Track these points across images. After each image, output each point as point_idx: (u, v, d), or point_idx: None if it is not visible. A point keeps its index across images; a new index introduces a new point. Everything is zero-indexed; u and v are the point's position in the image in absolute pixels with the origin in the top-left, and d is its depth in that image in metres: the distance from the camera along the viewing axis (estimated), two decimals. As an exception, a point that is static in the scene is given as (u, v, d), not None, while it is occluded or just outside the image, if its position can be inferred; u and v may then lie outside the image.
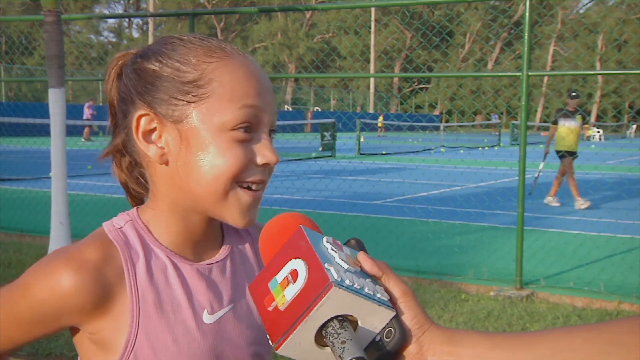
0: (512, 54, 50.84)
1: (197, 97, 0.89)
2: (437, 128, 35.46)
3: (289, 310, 0.68)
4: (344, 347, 0.66)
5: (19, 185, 11.60)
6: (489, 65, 64.36)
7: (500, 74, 10.15)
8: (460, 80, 40.90)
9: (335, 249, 0.72)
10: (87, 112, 27.16)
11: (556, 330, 0.70)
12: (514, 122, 30.46)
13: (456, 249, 6.70)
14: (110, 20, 74.11)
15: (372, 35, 59.08)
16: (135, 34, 77.14)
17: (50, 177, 4.98)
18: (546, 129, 38.97)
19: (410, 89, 62.97)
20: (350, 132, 30.54)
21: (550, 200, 10.58)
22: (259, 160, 0.90)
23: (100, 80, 15.54)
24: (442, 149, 26.51)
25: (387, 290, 0.72)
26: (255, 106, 0.89)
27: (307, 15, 65.70)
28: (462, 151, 25.83)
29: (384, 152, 23.73)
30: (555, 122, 10.27)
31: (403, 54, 61.04)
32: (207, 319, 0.94)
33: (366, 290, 0.68)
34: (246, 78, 0.90)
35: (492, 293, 5.51)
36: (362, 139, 24.31)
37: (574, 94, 10.38)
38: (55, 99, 4.76)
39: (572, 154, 10.11)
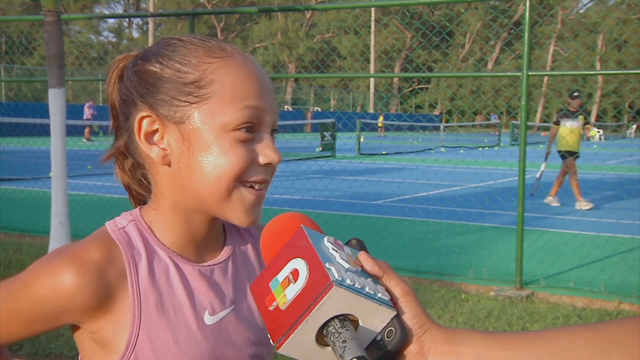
0: (512, 54, 50.85)
1: (198, 98, 0.89)
2: (437, 128, 35.46)
3: (290, 310, 0.68)
4: (345, 347, 0.66)
5: (19, 185, 11.60)
6: (489, 65, 64.37)
7: (500, 74, 10.15)
8: (460, 80, 40.91)
9: (336, 249, 0.72)
10: (87, 112, 27.17)
11: (557, 330, 0.70)
12: (514, 122, 30.46)
13: (456, 249, 6.70)
14: (110, 20, 74.12)
15: (372, 35, 59.08)
16: (135, 34, 77.20)
17: (50, 177, 4.98)
18: (546, 129, 39.01)
19: (410, 89, 62.97)
20: (350, 132, 30.55)
21: (551, 200, 10.58)
22: (262, 159, 0.90)
23: (100, 80, 15.56)
24: (442, 149, 26.51)
25: (388, 290, 0.72)
26: (257, 107, 0.89)
27: (307, 15, 65.71)
28: (462, 151, 25.82)
29: (384, 152, 23.73)
30: (557, 123, 10.23)
31: (403, 54, 61.05)
32: (208, 319, 0.94)
33: (367, 289, 0.68)
34: (247, 78, 0.90)
35: (492, 293, 5.51)
36: (362, 139, 24.32)
37: (575, 94, 10.34)
38: (55, 99, 4.76)
39: (574, 154, 10.09)
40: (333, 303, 0.66)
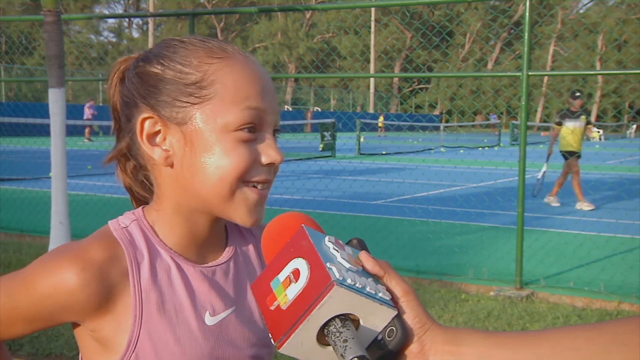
0: (512, 54, 50.86)
1: (200, 99, 0.89)
2: (437, 128, 35.47)
3: (291, 309, 0.68)
4: (346, 346, 0.66)
5: (19, 185, 11.60)
6: (489, 65, 64.37)
7: (500, 74, 10.15)
8: (460, 80, 40.92)
9: (337, 249, 0.72)
10: (87, 112, 27.17)
11: (558, 329, 0.70)
12: (514, 122, 30.46)
13: (456, 249, 6.70)
14: (110, 20, 74.13)
15: (372, 35, 59.09)
16: (135, 34, 77.20)
17: (50, 177, 4.98)
18: (546, 129, 39.02)
19: (410, 89, 62.98)
20: (350, 132, 30.55)
21: (551, 200, 10.57)
22: (264, 159, 0.90)
23: (100, 80, 15.56)
24: (442, 149, 26.51)
25: (388, 290, 0.72)
26: (259, 108, 0.89)
27: (307, 15, 65.71)
28: (462, 151, 25.83)
29: (384, 152, 23.74)
30: (559, 123, 10.21)
31: (403, 54, 61.05)
32: (209, 320, 0.95)
33: (368, 289, 0.68)
34: (249, 79, 0.90)
35: (492, 293, 5.51)
36: (362, 139, 24.32)
37: (577, 94, 10.31)
38: (55, 99, 4.76)
39: (575, 154, 10.07)
40: (334, 303, 0.66)
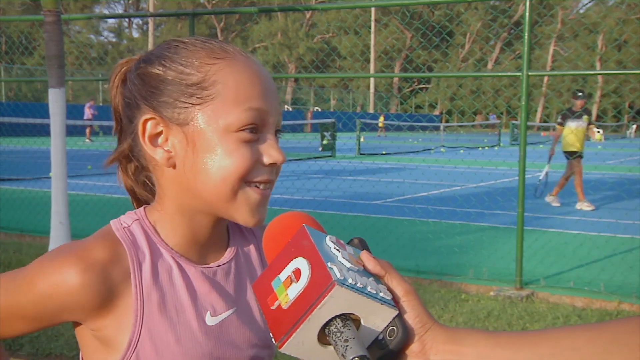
0: (512, 54, 50.87)
1: (201, 100, 0.89)
2: (437, 128, 35.47)
3: (292, 309, 0.68)
4: (347, 346, 0.66)
5: (19, 185, 11.60)
6: (489, 65, 64.37)
7: (500, 74, 10.15)
8: (460, 80, 40.93)
9: (338, 248, 0.72)
10: (88, 112, 27.17)
11: (558, 329, 0.70)
12: (514, 122, 30.46)
13: (456, 249, 6.70)
14: (110, 20, 74.12)
15: (372, 35, 59.10)
16: (135, 34, 77.20)
17: (50, 177, 4.98)
18: (546, 129, 39.01)
19: (410, 89, 62.99)
20: (350, 132, 30.56)
21: (552, 199, 10.56)
22: (266, 160, 0.90)
23: (101, 80, 15.54)
24: (442, 149, 26.51)
25: (389, 289, 0.72)
26: (260, 109, 0.89)
27: (307, 15, 65.71)
28: (462, 151, 25.83)
29: (384, 152, 23.74)
30: (561, 124, 10.18)
31: (403, 54, 61.06)
32: (210, 320, 0.95)
33: (369, 289, 0.68)
34: (250, 79, 0.90)
35: (492, 293, 5.51)
36: (362, 139, 24.32)
37: (580, 94, 10.28)
38: (55, 99, 4.76)
39: (575, 154, 10.05)
40: (335, 302, 0.66)
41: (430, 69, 50.62)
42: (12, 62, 32.37)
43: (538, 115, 54.43)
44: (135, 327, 0.90)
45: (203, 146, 0.88)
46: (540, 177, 11.09)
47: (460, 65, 62.13)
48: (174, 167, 0.91)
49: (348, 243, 0.77)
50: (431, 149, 26.69)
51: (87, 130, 28.69)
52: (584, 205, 10.06)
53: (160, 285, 0.92)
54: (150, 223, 0.95)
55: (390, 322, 0.70)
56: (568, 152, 10.02)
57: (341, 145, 23.74)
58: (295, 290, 0.68)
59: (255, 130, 0.89)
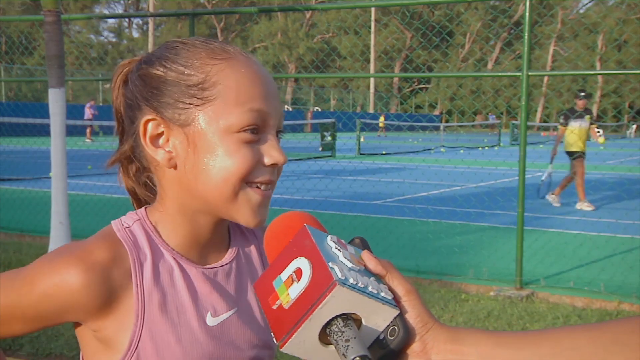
0: (512, 54, 50.88)
1: (202, 100, 0.89)
2: (437, 128, 35.47)
3: (293, 309, 0.68)
4: (348, 346, 0.66)
5: (19, 185, 11.60)
6: (489, 65, 64.37)
7: (500, 74, 10.15)
8: (460, 80, 40.94)
9: (339, 248, 0.72)
10: (88, 113, 27.17)
11: (559, 329, 0.70)
12: (514, 122, 30.46)
13: (456, 249, 6.70)
14: (110, 20, 74.10)
15: (372, 35, 59.10)
16: (135, 34, 77.19)
17: (50, 177, 4.98)
18: (546, 129, 38.99)
19: (410, 89, 62.99)
20: (350, 132, 30.55)
21: (553, 198, 10.55)
22: (267, 160, 0.90)
23: (100, 80, 15.54)
24: (442, 149, 26.51)
25: (391, 289, 0.72)
26: (261, 110, 0.90)
27: (307, 15, 65.70)
28: (462, 151, 25.83)
29: (384, 152, 23.74)
30: (563, 124, 10.15)
31: (403, 54, 61.06)
32: (210, 321, 0.95)
33: (370, 288, 0.68)
34: (251, 80, 0.90)
35: (492, 293, 5.51)
36: (362, 139, 24.32)
37: (582, 94, 10.26)
38: (55, 99, 4.76)
39: (576, 154, 10.04)
40: (336, 302, 0.67)
41: (430, 69, 50.62)
42: (12, 62, 32.37)
43: (538, 115, 54.44)
44: (136, 328, 0.90)
45: (204, 147, 0.88)
46: (543, 178, 11.08)
47: (460, 65, 62.13)
48: (175, 167, 0.91)
49: (349, 242, 0.77)
50: (431, 149, 26.69)
51: (88, 130, 28.69)
52: (584, 206, 10.06)
53: (161, 286, 0.92)
54: (151, 224, 0.95)
55: (391, 322, 0.70)
56: (570, 152, 10.02)
57: (341, 145, 23.74)
58: (296, 289, 0.68)
59: (256, 131, 0.89)
